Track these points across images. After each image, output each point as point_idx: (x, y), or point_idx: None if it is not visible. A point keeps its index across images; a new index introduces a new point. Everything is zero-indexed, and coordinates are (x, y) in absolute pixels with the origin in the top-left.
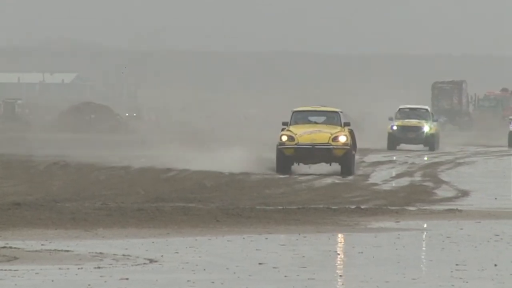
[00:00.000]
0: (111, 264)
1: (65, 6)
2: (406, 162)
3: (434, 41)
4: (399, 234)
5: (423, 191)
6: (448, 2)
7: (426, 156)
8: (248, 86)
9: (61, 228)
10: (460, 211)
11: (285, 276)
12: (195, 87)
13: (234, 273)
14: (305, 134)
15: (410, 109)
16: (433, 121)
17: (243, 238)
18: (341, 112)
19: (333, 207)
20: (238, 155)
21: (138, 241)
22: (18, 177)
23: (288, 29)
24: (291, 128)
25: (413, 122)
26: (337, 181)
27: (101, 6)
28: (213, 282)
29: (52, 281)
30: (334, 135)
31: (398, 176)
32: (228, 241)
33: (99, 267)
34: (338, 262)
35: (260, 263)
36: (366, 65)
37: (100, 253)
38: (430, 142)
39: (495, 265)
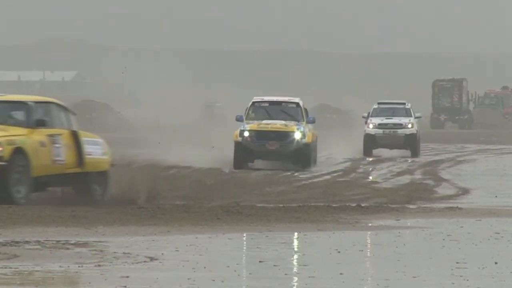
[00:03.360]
0: (111, 262)
1: (65, 3)
2: (406, 160)
3: (435, 39)
4: (399, 232)
5: (424, 189)
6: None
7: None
8: (249, 84)
9: (62, 226)
10: (461, 209)
11: (286, 274)
12: (197, 85)
13: (235, 271)
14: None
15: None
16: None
17: (244, 236)
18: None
19: (334, 205)
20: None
21: (139, 239)
22: None
23: (291, 27)
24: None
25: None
26: (338, 179)
27: (102, 4)
28: (213, 280)
29: (53, 278)
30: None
31: (399, 174)
32: (228, 239)
33: (99, 265)
34: (339, 260)
35: (260, 261)
36: (367, 63)
37: (101, 250)
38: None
39: (496, 263)
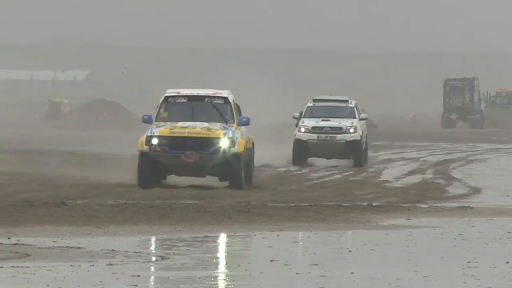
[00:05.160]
0: (122, 261)
1: (76, 3)
2: (418, 159)
3: (446, 39)
4: (410, 232)
5: (435, 189)
6: (462, 0)
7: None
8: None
9: (73, 225)
10: (472, 208)
11: (297, 273)
12: (206, 84)
13: (246, 270)
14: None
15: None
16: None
17: (255, 235)
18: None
19: (345, 204)
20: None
21: (150, 238)
22: (30, 174)
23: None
24: None
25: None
26: (349, 178)
27: (113, 4)
28: (225, 279)
29: (64, 277)
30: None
31: (410, 173)
32: (239, 238)
33: (110, 264)
34: (350, 259)
35: (271, 260)
36: (381, 63)
37: (112, 250)
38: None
39: (507, 262)
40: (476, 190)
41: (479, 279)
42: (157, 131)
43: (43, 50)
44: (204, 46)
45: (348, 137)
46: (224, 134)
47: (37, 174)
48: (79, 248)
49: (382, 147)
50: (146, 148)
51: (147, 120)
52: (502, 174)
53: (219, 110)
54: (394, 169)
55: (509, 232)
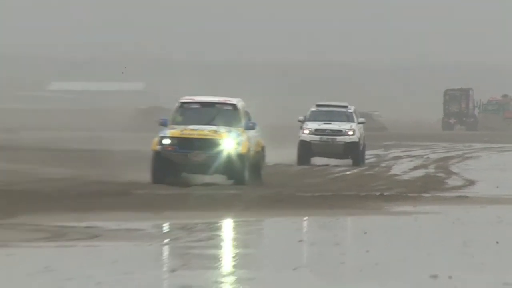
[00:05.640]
0: (177, 240)
1: (134, 18)
2: (422, 156)
3: (445, 51)
4: (416, 217)
5: (436, 181)
6: (460, 15)
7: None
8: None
9: (135, 212)
10: (467, 197)
11: (320, 252)
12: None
13: (277, 248)
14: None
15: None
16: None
17: (286, 219)
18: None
19: (361, 194)
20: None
21: (199, 222)
22: (101, 168)
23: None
24: None
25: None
26: (364, 172)
27: (167, 18)
28: (259, 256)
29: (129, 254)
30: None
31: (415, 168)
32: (274, 222)
33: (167, 243)
34: (366, 240)
35: (299, 240)
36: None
37: (168, 231)
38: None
39: (497, 242)
40: (471, 182)
41: (473, 257)
42: (168, 132)
43: (107, 64)
44: (246, 59)
45: (347, 138)
46: (229, 136)
47: (106, 169)
48: (140, 230)
49: (392, 146)
50: (158, 147)
51: (163, 123)
52: (493, 169)
53: (228, 115)
54: (402, 165)
55: (499, 217)
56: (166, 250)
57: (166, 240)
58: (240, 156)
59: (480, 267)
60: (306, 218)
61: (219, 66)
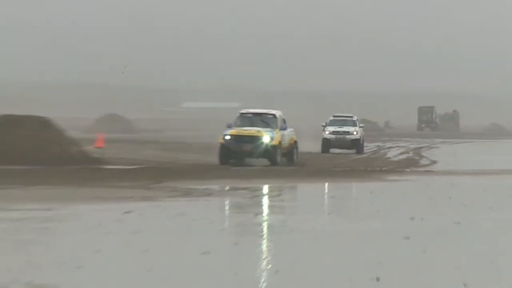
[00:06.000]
0: (257, 197)
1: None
2: (404, 147)
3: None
4: (401, 183)
5: (413, 161)
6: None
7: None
8: None
9: (234, 179)
10: (432, 171)
11: (344, 203)
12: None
13: (316, 201)
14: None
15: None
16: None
17: (323, 184)
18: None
19: (368, 169)
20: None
21: (270, 185)
22: (211, 155)
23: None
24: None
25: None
26: (371, 156)
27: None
28: (298, 206)
29: (231, 205)
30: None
31: (401, 154)
32: (313, 187)
33: (254, 198)
34: (371, 197)
35: (332, 197)
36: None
37: (254, 190)
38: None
39: (450, 198)
40: (434, 162)
41: (436, 206)
42: (229, 131)
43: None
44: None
45: (352, 137)
46: (266, 134)
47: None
48: (236, 189)
49: (387, 141)
50: (222, 141)
51: (229, 126)
52: (447, 154)
53: (269, 121)
54: (393, 152)
55: (451, 183)
56: (252, 203)
57: (253, 196)
58: (273, 146)
59: (440, 212)
60: (335, 184)
61: (276, 93)
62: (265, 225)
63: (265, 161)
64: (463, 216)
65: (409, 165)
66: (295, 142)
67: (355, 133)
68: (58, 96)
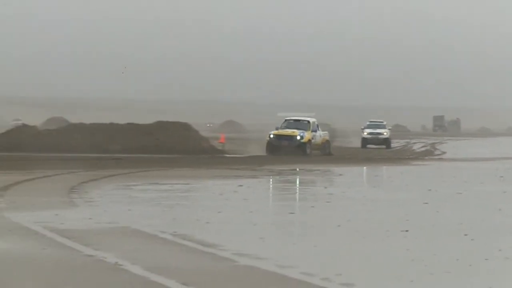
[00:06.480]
0: (326, 173)
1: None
2: (424, 142)
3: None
4: (422, 166)
5: (430, 152)
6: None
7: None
8: None
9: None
10: (443, 159)
11: (380, 180)
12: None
13: (362, 178)
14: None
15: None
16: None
17: (368, 167)
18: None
19: (399, 157)
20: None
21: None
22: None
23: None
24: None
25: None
26: (401, 149)
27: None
28: (346, 181)
29: (307, 178)
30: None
31: (423, 147)
32: (362, 169)
33: (324, 174)
34: (401, 175)
35: (375, 175)
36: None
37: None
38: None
39: (454, 176)
40: (444, 153)
41: (445, 182)
42: (273, 132)
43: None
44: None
45: (383, 136)
46: (298, 134)
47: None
48: (314, 170)
49: (413, 139)
50: (268, 139)
51: (277, 128)
52: (453, 147)
53: (304, 125)
54: (416, 145)
55: (457, 167)
56: (322, 178)
57: (320, 175)
58: (303, 143)
59: (448, 186)
60: (371, 167)
61: (324, 106)
62: (331, 194)
63: (299, 153)
64: (463, 189)
65: (427, 154)
66: (327, 141)
67: (385, 133)
68: (191, 108)
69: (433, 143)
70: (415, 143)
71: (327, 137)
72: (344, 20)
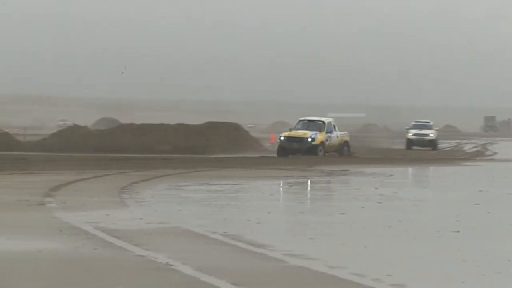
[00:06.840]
0: (375, 175)
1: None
2: (475, 143)
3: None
4: (472, 167)
5: (481, 152)
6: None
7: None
8: None
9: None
10: (494, 159)
11: (434, 180)
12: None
13: (413, 179)
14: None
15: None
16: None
17: (419, 167)
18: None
19: (450, 158)
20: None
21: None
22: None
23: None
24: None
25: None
26: (452, 150)
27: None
28: (405, 183)
29: (359, 179)
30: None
31: (474, 148)
32: (412, 170)
33: (375, 176)
34: (452, 176)
35: (425, 176)
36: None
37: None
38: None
39: (505, 177)
40: (495, 153)
41: (494, 179)
42: (283, 133)
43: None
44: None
45: (429, 137)
46: (309, 136)
47: None
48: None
49: (463, 139)
50: (279, 140)
51: (290, 129)
52: (504, 148)
53: (319, 126)
54: (467, 146)
55: (507, 167)
56: (373, 179)
57: (371, 176)
58: (315, 145)
59: (498, 187)
60: (421, 167)
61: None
62: (382, 195)
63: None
64: None
65: (478, 155)
66: (346, 141)
67: (431, 134)
68: (242, 109)
69: (484, 144)
70: (466, 143)
71: (346, 138)
72: (384, 19)
